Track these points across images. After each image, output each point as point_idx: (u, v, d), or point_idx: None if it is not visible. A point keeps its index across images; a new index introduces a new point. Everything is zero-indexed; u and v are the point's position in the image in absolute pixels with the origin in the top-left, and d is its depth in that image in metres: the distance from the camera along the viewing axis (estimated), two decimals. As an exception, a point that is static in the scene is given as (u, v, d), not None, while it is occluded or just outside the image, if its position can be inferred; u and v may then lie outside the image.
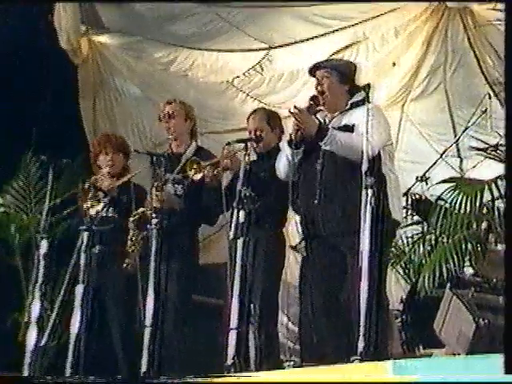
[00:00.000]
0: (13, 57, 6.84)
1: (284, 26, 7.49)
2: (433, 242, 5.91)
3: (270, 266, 5.21)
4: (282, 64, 7.73)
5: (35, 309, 5.16)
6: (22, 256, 6.86)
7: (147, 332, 4.96)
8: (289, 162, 4.83)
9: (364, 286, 4.18)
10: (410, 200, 6.33)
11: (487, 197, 5.64)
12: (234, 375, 4.35)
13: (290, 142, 4.78)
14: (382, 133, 4.75)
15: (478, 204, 5.64)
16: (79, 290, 5.21)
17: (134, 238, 5.23)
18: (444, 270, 5.47)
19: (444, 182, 6.07)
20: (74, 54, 7.46)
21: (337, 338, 4.68)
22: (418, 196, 6.35)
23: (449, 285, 4.91)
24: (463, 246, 5.54)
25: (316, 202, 4.74)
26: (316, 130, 4.71)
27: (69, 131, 7.12)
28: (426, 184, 6.36)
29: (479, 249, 5.55)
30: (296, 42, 7.57)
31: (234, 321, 4.73)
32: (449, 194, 5.83)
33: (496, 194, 5.55)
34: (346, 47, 7.44)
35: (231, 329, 4.70)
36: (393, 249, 5.90)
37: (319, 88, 4.86)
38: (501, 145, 5.72)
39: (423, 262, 5.91)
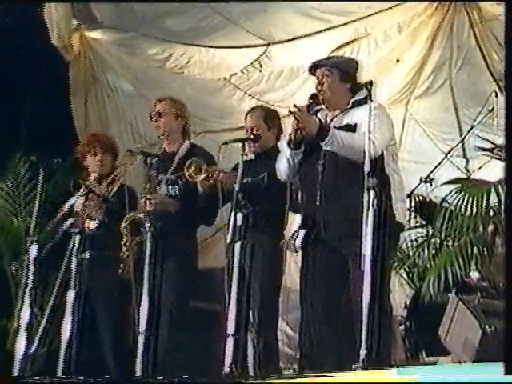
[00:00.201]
0: (0, 53, 6.82)
1: (283, 22, 7.49)
2: (437, 245, 5.91)
3: (269, 270, 5.20)
4: (282, 60, 7.72)
5: (25, 315, 5.15)
6: (11, 260, 6.86)
7: (141, 339, 4.96)
8: (289, 163, 4.82)
9: (366, 290, 4.17)
10: (413, 202, 6.33)
11: (494, 199, 5.65)
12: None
13: (289, 143, 4.78)
14: (385, 132, 4.74)
15: (484, 206, 5.64)
16: (70, 295, 5.20)
17: (127, 243, 5.22)
18: (449, 274, 5.48)
19: (449, 183, 6.08)
20: (66, 51, 7.45)
21: (338, 344, 4.68)
22: (422, 198, 6.35)
23: (454, 290, 4.92)
24: (469, 250, 5.55)
25: (317, 204, 4.74)
26: (317, 129, 4.70)
27: (60, 130, 7.10)
28: (431, 185, 6.36)
29: (485, 252, 5.55)
30: (296, 38, 7.56)
31: (231, 327, 4.73)
32: (454, 196, 5.84)
33: (503, 195, 5.56)
34: (348, 43, 7.43)
35: (228, 335, 4.70)
36: (396, 252, 5.89)
37: (319, 87, 4.85)
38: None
39: (428, 266, 5.92)
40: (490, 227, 5.61)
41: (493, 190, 5.62)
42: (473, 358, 4.44)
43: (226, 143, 5.18)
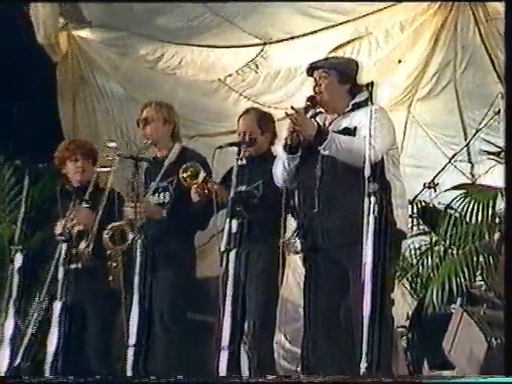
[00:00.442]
0: (-16, 53, 6.82)
1: (280, 20, 7.49)
2: (441, 253, 5.92)
3: (266, 280, 5.18)
4: (279, 61, 7.73)
5: (9, 327, 5.13)
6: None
7: (130, 352, 4.95)
8: (285, 169, 4.81)
9: (367, 301, 4.16)
10: (416, 208, 6.33)
11: (500, 205, 5.64)
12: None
13: (285, 147, 4.76)
14: (386, 136, 4.73)
15: (490, 213, 5.65)
16: (57, 306, 5.18)
17: (113, 253, 5.20)
18: (453, 284, 5.48)
19: (453, 188, 6.09)
20: (53, 51, 7.44)
21: (337, 357, 4.66)
22: (425, 204, 6.35)
23: (459, 301, 4.91)
24: (474, 259, 5.55)
25: (315, 210, 4.73)
26: (315, 133, 4.69)
27: (46, 133, 7.08)
28: (434, 191, 6.34)
29: (491, 261, 5.55)
30: (293, 37, 7.57)
31: (225, 340, 4.72)
32: (459, 202, 5.85)
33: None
34: (347, 43, 7.44)
35: (222, 348, 4.69)
36: (398, 261, 5.88)
37: (317, 89, 4.85)
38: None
39: (431, 275, 5.92)
40: (496, 235, 5.60)
41: (499, 196, 5.61)
42: (478, 372, 4.43)
43: (220, 147, 5.18)
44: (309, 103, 4.78)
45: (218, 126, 7.64)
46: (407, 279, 6.27)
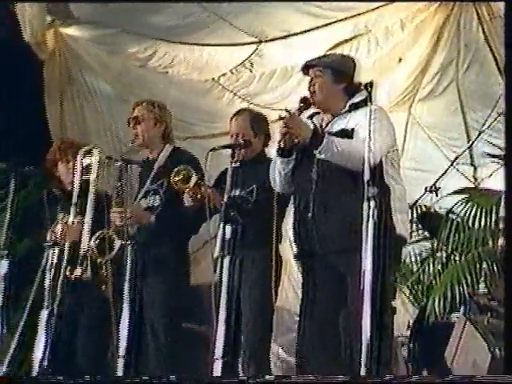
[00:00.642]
0: (-32, 51, 6.81)
1: (276, 18, 7.49)
2: (443, 260, 5.92)
3: (261, 288, 5.18)
4: (274, 60, 7.73)
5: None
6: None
7: (120, 363, 4.94)
8: (280, 173, 4.81)
9: (366, 310, 4.16)
10: (417, 213, 6.34)
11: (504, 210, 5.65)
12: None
13: (278, 150, 4.75)
14: (385, 137, 4.71)
15: (493, 218, 5.65)
16: (43, 315, 5.18)
17: (101, 262, 5.20)
18: (456, 292, 5.48)
19: (456, 193, 6.09)
20: (39, 48, 7.43)
21: (335, 368, 4.66)
22: (426, 209, 6.36)
23: (462, 309, 4.91)
24: (477, 266, 5.55)
25: (310, 215, 4.72)
26: (310, 135, 4.67)
27: (33, 135, 7.09)
28: (436, 195, 6.37)
29: (495, 268, 5.55)
30: (290, 35, 7.57)
31: (219, 350, 4.72)
32: (461, 207, 5.85)
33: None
34: (346, 41, 7.44)
35: (216, 359, 4.68)
36: (399, 268, 5.88)
37: (311, 89, 4.84)
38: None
39: (433, 282, 5.92)
40: (500, 241, 5.61)
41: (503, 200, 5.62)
42: (482, 385, 4.42)
43: (214, 149, 5.17)
44: (302, 104, 4.75)
45: (212, 127, 7.64)
46: (408, 287, 6.28)
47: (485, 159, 6.52)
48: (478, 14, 7.23)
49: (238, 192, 5.24)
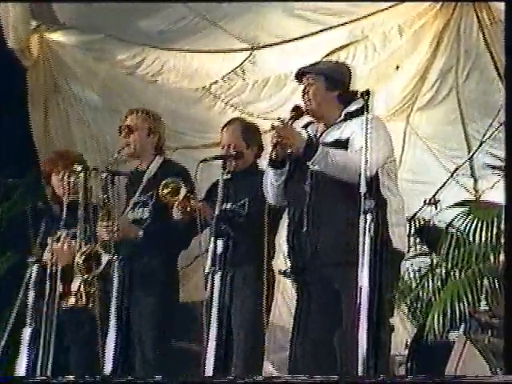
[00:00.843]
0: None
1: (270, 23, 7.50)
2: (443, 276, 5.92)
3: (253, 306, 5.18)
4: (268, 67, 7.74)
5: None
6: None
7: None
8: (272, 185, 4.81)
9: (363, 327, 4.16)
10: (415, 227, 6.35)
11: (506, 224, 5.65)
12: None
13: (270, 162, 4.75)
14: (382, 148, 4.71)
15: (495, 232, 5.65)
16: (26, 333, 5.18)
17: (88, 279, 5.20)
18: (456, 309, 5.48)
19: (456, 205, 6.09)
20: (23, 55, 7.42)
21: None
22: (425, 222, 6.37)
23: (462, 327, 4.91)
24: (478, 282, 5.55)
25: (304, 229, 4.73)
26: (303, 146, 4.67)
27: (16, 145, 7.08)
28: (435, 208, 6.38)
29: (497, 285, 5.55)
30: (284, 42, 7.58)
31: (209, 369, 4.71)
32: (461, 220, 5.85)
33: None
34: (342, 48, 7.46)
35: (206, 378, 4.68)
36: (396, 284, 5.89)
37: (305, 97, 4.85)
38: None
39: (432, 299, 5.92)
40: (502, 256, 5.63)
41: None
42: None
43: (205, 160, 5.17)
44: (293, 113, 4.73)
45: (203, 137, 7.64)
46: (406, 304, 6.28)
47: (486, 170, 6.53)
48: (478, 18, 7.23)
49: (229, 205, 5.25)
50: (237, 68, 7.72)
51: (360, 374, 4.11)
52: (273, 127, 4.69)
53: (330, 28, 7.47)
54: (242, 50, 7.67)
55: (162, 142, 5.58)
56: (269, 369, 6.58)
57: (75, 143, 7.59)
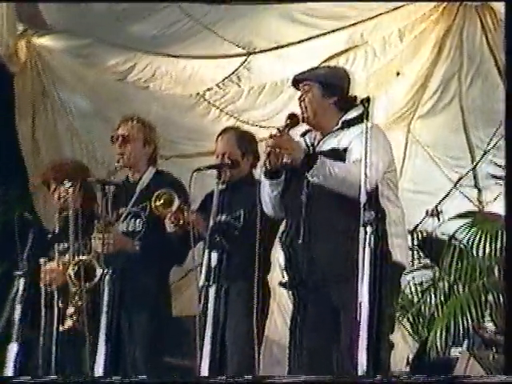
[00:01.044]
0: None
1: (266, 28, 7.50)
2: (446, 290, 5.93)
3: (247, 322, 5.17)
4: (264, 73, 7.74)
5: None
6: None
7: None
8: (269, 196, 4.81)
9: (363, 344, 4.16)
10: (417, 239, 6.35)
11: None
12: None
13: (265, 172, 4.75)
14: (383, 157, 4.69)
15: (499, 244, 5.66)
16: (12, 349, 5.17)
17: (78, 292, 5.20)
18: (459, 325, 5.48)
19: (459, 217, 6.10)
20: (10, 60, 7.42)
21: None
22: (427, 234, 6.37)
23: (465, 344, 4.91)
24: (482, 297, 5.56)
25: (300, 241, 4.72)
26: (302, 157, 4.66)
27: (2, 154, 7.08)
28: (438, 220, 6.39)
29: (501, 300, 5.56)
30: (280, 47, 7.59)
31: (202, 385, 4.71)
32: (465, 232, 5.86)
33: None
34: (341, 53, 7.47)
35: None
36: (398, 299, 5.88)
37: (302, 104, 4.85)
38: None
39: (434, 314, 5.92)
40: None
41: (510, 226, 5.63)
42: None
43: (199, 170, 5.17)
44: (289, 121, 4.71)
45: (197, 145, 7.64)
46: (408, 319, 6.28)
47: (490, 181, 6.54)
48: (481, 22, 7.24)
49: (224, 217, 5.26)
50: (232, 74, 7.72)
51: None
52: (270, 136, 4.68)
53: (328, 32, 7.46)
54: (237, 55, 7.67)
55: (157, 153, 5.59)
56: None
57: (63, 151, 7.59)
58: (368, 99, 4.47)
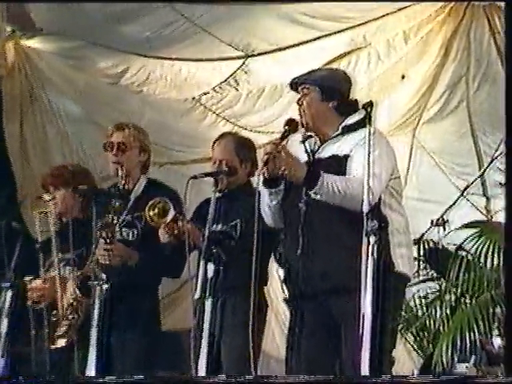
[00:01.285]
0: None
1: (265, 29, 7.50)
2: (452, 303, 5.93)
3: (243, 336, 5.18)
4: (263, 76, 7.75)
5: None
6: None
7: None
8: (268, 206, 4.81)
9: (365, 359, 4.17)
10: (423, 249, 6.36)
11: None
12: None
13: (264, 181, 4.71)
14: (386, 165, 4.69)
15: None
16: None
17: (74, 304, 5.21)
18: (466, 339, 5.48)
19: (466, 226, 6.10)
20: (-3, 63, 7.46)
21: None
22: (433, 244, 6.38)
23: (472, 359, 4.91)
24: (490, 310, 5.56)
25: (299, 252, 4.73)
26: (304, 175, 4.59)
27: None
28: (444, 229, 6.39)
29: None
30: (279, 49, 7.60)
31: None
32: (472, 242, 5.86)
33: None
34: (343, 56, 7.48)
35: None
36: (401, 311, 5.90)
37: (301, 109, 4.84)
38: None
39: (440, 329, 5.92)
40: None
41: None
42: None
43: (195, 177, 5.18)
44: (287, 127, 4.70)
45: (192, 152, 7.66)
46: (412, 333, 6.28)
47: (498, 189, 6.55)
48: (489, 24, 7.25)
49: (220, 226, 5.27)
50: (229, 77, 7.73)
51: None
52: (268, 153, 4.64)
53: (330, 34, 7.47)
54: (234, 58, 7.67)
55: (150, 160, 5.62)
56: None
57: (52, 157, 7.59)
58: (371, 104, 4.44)
